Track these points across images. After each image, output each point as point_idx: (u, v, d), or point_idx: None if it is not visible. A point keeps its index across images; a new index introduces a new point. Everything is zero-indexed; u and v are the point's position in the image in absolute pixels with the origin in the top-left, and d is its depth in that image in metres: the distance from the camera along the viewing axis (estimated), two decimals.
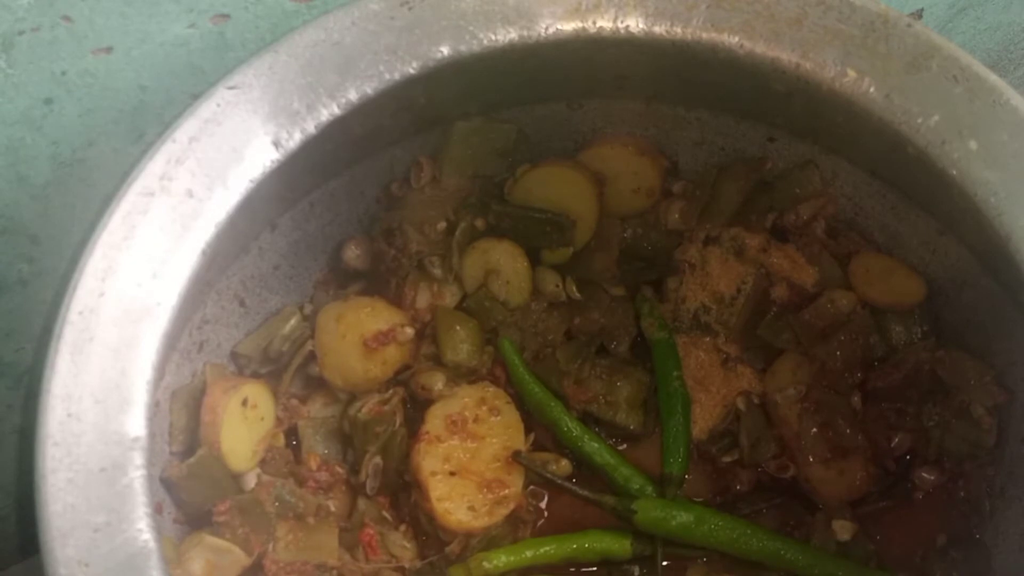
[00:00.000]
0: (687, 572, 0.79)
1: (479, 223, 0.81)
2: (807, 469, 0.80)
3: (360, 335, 0.78)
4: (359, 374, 0.78)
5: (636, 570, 0.79)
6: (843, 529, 0.78)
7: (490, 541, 0.77)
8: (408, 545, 0.78)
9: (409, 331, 0.79)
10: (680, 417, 0.81)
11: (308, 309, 0.81)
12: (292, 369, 0.78)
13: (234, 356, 0.78)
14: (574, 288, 0.82)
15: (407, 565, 0.77)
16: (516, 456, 0.77)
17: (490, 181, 0.82)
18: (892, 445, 0.79)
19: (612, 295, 0.83)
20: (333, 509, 0.76)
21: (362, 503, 0.78)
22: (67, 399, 0.58)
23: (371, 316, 0.79)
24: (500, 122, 0.80)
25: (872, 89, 0.67)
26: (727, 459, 0.82)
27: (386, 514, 0.78)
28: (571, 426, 0.79)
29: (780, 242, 0.83)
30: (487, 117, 0.79)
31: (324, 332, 0.79)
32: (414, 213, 0.80)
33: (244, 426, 0.74)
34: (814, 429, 0.79)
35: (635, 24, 0.69)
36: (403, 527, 0.78)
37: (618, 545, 0.78)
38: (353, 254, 0.81)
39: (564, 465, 0.80)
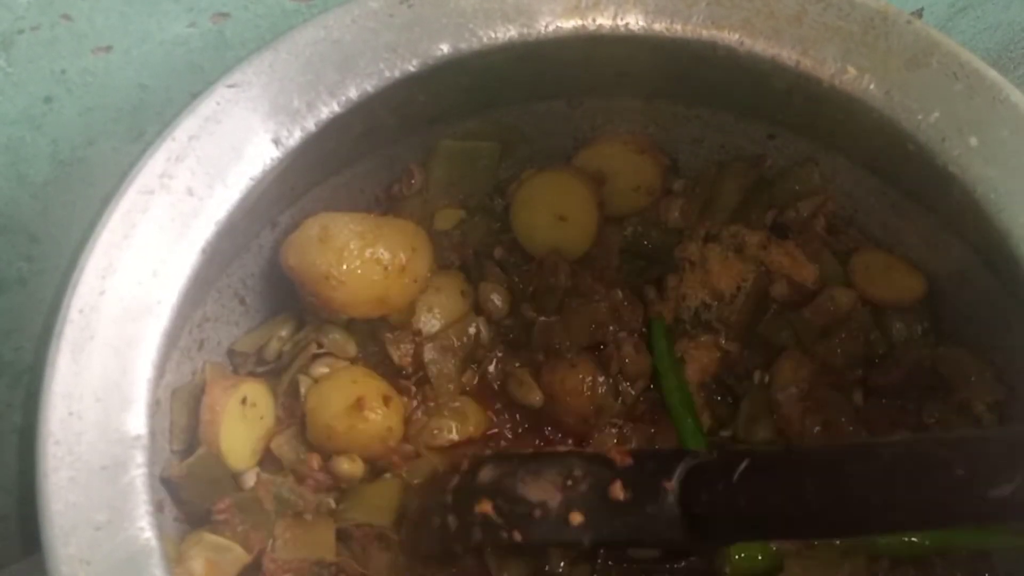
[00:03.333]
0: None
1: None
2: None
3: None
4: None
5: None
6: None
7: None
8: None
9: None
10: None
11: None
12: (293, 370, 0.78)
13: (231, 354, 0.78)
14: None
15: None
16: None
17: (483, 199, 0.83)
18: None
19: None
20: (334, 506, 0.76)
21: None
22: (68, 397, 0.58)
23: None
24: (483, 139, 0.81)
25: (872, 86, 0.67)
26: (724, 432, 0.82)
27: None
28: None
29: (780, 239, 0.82)
30: (471, 137, 0.80)
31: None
32: None
33: (243, 425, 0.74)
34: (817, 428, 0.78)
35: (635, 21, 0.69)
36: None
37: None
38: None
39: None
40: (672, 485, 0.66)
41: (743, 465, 0.62)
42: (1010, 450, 0.51)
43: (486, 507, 0.70)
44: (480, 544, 0.71)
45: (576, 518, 0.68)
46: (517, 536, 0.69)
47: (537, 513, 0.69)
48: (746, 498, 0.62)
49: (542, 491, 0.69)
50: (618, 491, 0.67)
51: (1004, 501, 0.49)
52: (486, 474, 0.72)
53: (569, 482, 0.69)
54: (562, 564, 0.74)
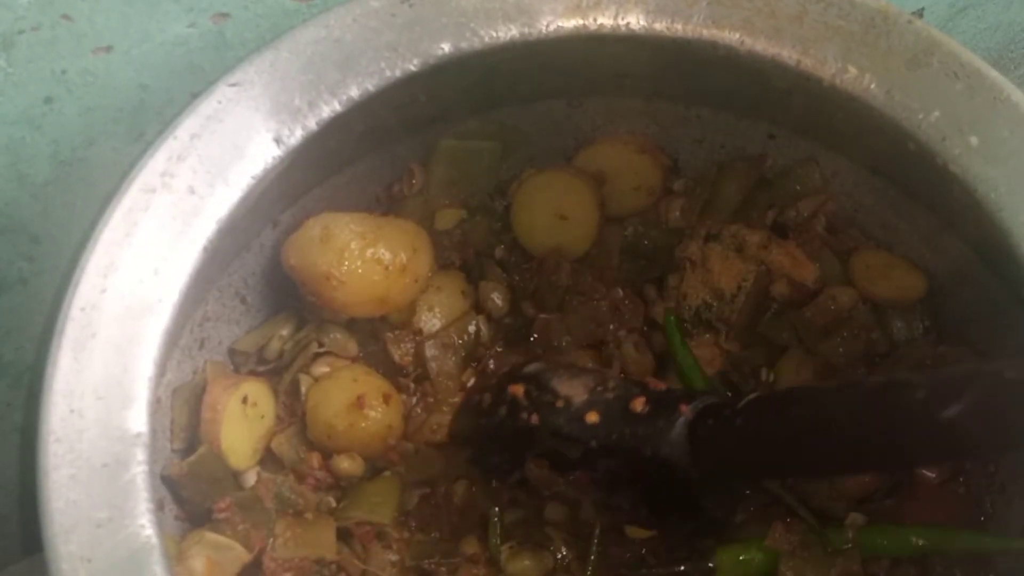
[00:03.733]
0: None
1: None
2: None
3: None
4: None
5: None
6: (857, 523, 0.77)
7: None
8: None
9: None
10: None
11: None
12: (294, 370, 0.78)
13: (232, 353, 0.78)
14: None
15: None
16: None
17: (483, 199, 0.83)
18: None
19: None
20: (334, 505, 0.76)
21: None
22: (69, 395, 0.58)
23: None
24: (484, 139, 0.81)
25: (873, 86, 0.68)
26: None
27: None
28: None
29: (781, 239, 0.82)
30: (471, 136, 0.80)
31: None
32: None
33: (244, 424, 0.74)
34: None
35: (636, 21, 0.69)
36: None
37: None
38: None
39: None
40: (688, 409, 0.69)
41: (750, 397, 0.68)
42: (964, 377, 0.57)
43: (518, 390, 0.75)
44: (501, 421, 0.75)
45: (592, 417, 0.72)
46: (534, 419, 0.74)
47: (560, 404, 0.73)
48: (743, 419, 0.66)
49: (572, 388, 0.74)
50: (639, 405, 0.71)
51: (953, 424, 0.54)
52: (532, 367, 0.78)
53: (599, 388, 0.73)
54: (563, 549, 0.76)
